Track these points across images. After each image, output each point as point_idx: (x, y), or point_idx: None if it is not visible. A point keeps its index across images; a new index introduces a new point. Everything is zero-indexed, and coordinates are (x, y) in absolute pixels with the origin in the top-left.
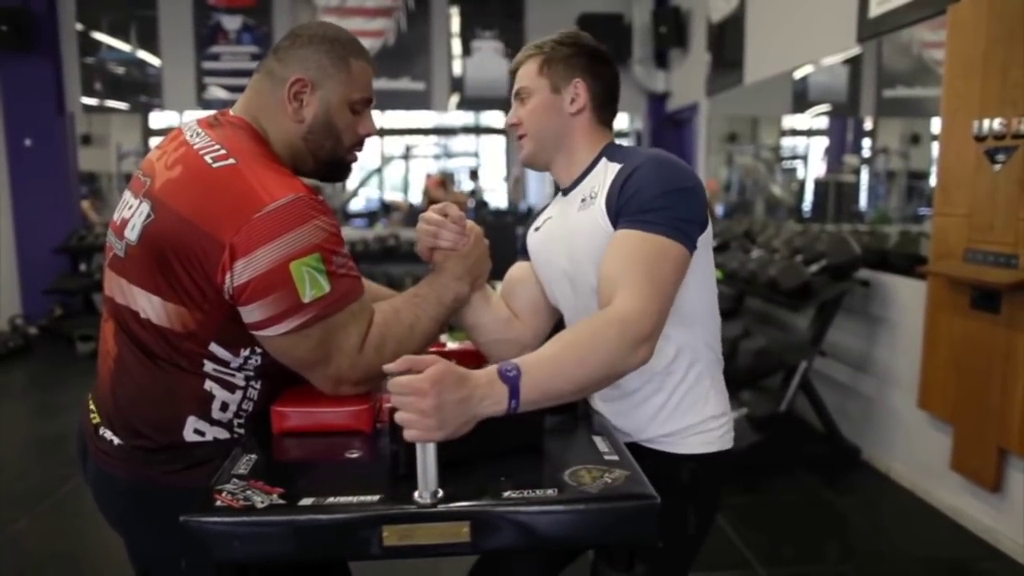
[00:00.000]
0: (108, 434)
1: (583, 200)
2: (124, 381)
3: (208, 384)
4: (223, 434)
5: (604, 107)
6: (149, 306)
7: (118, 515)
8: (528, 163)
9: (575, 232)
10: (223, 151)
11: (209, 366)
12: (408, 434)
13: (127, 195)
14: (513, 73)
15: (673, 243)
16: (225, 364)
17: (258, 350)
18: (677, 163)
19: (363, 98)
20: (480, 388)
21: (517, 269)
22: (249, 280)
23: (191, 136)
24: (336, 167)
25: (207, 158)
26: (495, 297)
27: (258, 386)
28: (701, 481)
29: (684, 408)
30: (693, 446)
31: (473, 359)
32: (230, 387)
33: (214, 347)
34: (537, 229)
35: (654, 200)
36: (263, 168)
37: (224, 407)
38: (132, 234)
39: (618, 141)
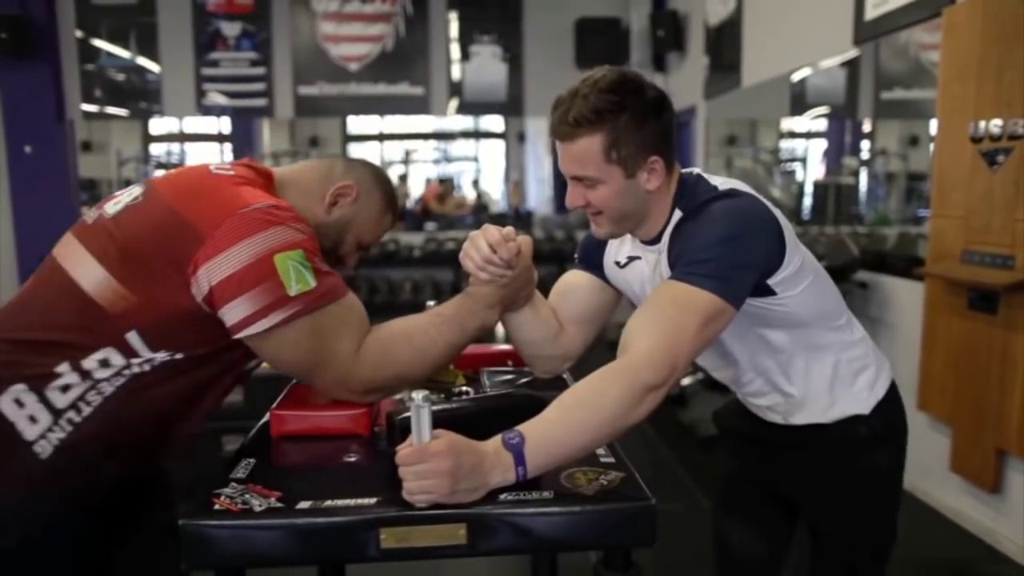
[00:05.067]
0: None
1: (661, 254)
2: None
3: (62, 367)
4: (46, 418)
5: (673, 154)
6: (91, 276)
7: None
8: (607, 239)
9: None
10: (227, 165)
11: (95, 356)
12: (421, 499)
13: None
14: (560, 140)
15: (706, 294)
16: (125, 358)
17: (157, 358)
18: (733, 207)
19: (368, 243)
20: (489, 457)
21: (573, 276)
22: (232, 273)
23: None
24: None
25: (211, 166)
26: (545, 311)
27: (111, 388)
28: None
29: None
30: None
31: (507, 359)
32: (85, 374)
33: (131, 336)
34: (620, 264)
35: (700, 252)
36: (255, 189)
37: (66, 389)
38: (113, 208)
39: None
